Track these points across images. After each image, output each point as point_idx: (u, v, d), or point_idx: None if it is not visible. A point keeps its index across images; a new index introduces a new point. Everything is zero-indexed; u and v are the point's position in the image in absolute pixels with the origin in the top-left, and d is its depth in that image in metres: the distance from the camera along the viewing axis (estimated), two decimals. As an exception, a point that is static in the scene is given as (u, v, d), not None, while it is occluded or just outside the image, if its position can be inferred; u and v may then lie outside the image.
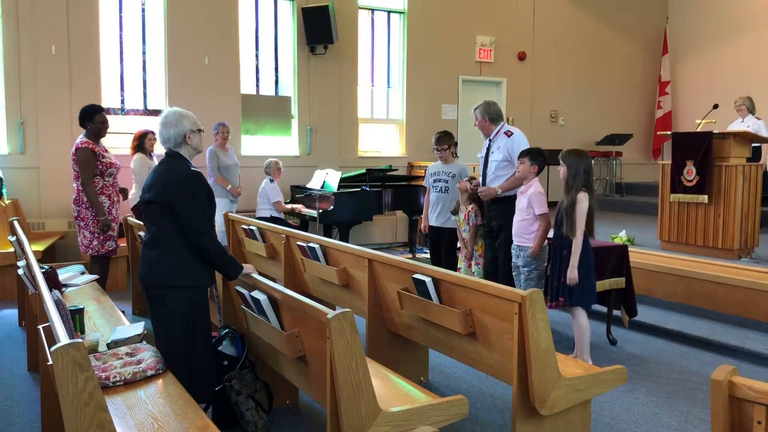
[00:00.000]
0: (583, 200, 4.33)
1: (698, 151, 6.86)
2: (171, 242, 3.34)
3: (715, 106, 8.04)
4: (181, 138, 3.41)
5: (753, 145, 7.24)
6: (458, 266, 5.69)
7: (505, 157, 5.21)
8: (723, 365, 1.85)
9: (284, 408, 3.95)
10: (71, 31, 7.94)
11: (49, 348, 2.25)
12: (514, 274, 4.89)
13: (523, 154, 4.82)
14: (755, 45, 11.28)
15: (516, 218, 4.82)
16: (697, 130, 7.61)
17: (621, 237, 7.46)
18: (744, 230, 6.81)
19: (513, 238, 4.86)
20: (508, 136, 5.25)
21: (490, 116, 5.35)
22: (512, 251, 4.87)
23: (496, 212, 5.27)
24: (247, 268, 3.55)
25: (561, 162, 4.47)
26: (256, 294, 3.31)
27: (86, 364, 2.11)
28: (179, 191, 3.30)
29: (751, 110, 8.38)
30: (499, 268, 5.23)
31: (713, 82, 11.76)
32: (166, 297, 3.36)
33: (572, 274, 4.35)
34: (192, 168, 3.42)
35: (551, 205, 4.78)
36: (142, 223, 5.69)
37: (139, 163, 7.10)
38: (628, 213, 10.47)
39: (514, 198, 5.07)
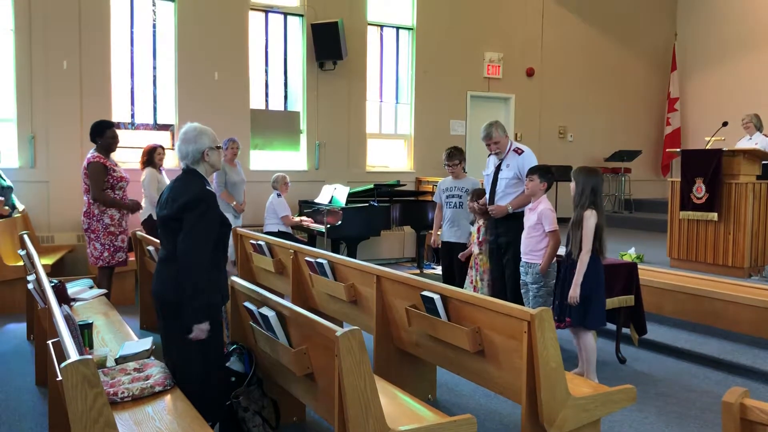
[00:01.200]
0: (589, 218, 4.29)
1: (708, 168, 6.84)
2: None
3: (725, 124, 8.03)
4: (200, 155, 3.38)
5: (763, 162, 7.21)
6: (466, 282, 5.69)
7: (516, 174, 5.22)
8: (734, 387, 1.83)
9: (291, 425, 3.93)
10: (83, 46, 8.02)
11: (59, 364, 2.26)
12: (522, 291, 4.87)
13: (532, 171, 4.83)
14: (764, 62, 11.27)
15: (524, 235, 4.82)
16: (707, 147, 7.60)
17: (630, 254, 7.43)
18: (754, 248, 6.78)
19: (521, 255, 4.85)
20: (519, 154, 5.27)
21: (506, 134, 5.39)
22: (521, 268, 4.86)
23: (504, 229, 5.27)
24: (202, 330, 3.22)
25: (572, 179, 4.47)
26: (264, 310, 3.31)
27: (96, 381, 2.12)
28: (190, 209, 3.24)
29: (759, 127, 8.36)
30: (506, 285, 5.22)
31: (722, 98, 11.75)
32: (181, 313, 3.28)
33: (574, 292, 4.30)
34: (207, 187, 3.37)
35: (561, 221, 4.76)
36: (150, 237, 5.77)
37: (149, 178, 7.14)
38: (637, 229, 10.43)
39: (522, 215, 5.07)
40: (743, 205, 6.71)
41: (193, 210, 3.24)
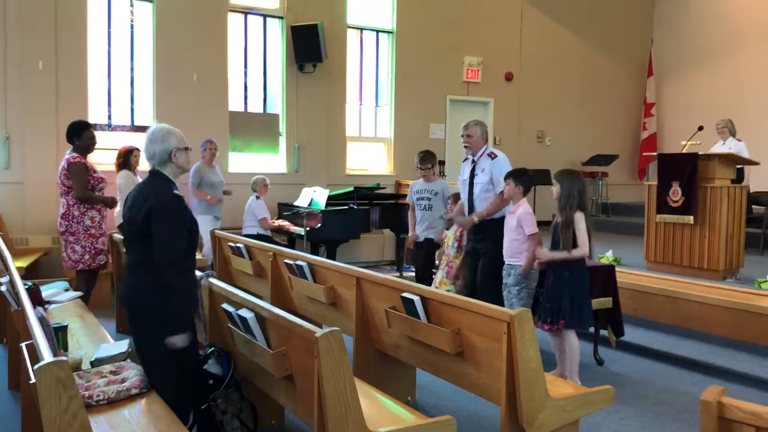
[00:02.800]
0: (580, 220, 4.35)
1: (684, 172, 6.92)
2: (151, 266, 3.18)
3: (700, 128, 8.13)
4: (167, 155, 3.29)
5: (737, 166, 7.32)
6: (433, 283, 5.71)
7: (490, 179, 5.21)
8: (712, 386, 1.85)
9: (269, 428, 3.89)
10: (59, 46, 7.91)
11: (32, 366, 2.21)
12: (504, 293, 4.88)
13: (508, 176, 4.85)
14: (738, 67, 11.46)
15: (506, 238, 4.83)
16: (683, 151, 7.69)
17: (608, 257, 7.49)
18: (729, 251, 6.87)
19: (504, 258, 4.86)
20: (492, 159, 5.25)
21: (484, 136, 5.37)
22: (503, 271, 4.87)
23: (481, 235, 5.24)
24: (181, 340, 3.20)
25: (554, 182, 4.50)
26: (243, 312, 3.28)
27: (70, 383, 2.08)
28: (158, 214, 3.15)
29: (733, 132, 8.49)
30: (478, 289, 5.17)
31: (698, 103, 11.91)
32: (153, 321, 3.20)
33: (546, 255, 4.43)
34: (174, 191, 3.28)
35: (540, 224, 4.78)
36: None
37: (125, 180, 7.04)
38: (614, 233, 10.52)
39: (499, 221, 5.09)
40: (718, 208, 6.80)
41: (161, 216, 3.16)
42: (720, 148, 8.29)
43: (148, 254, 3.18)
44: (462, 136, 5.37)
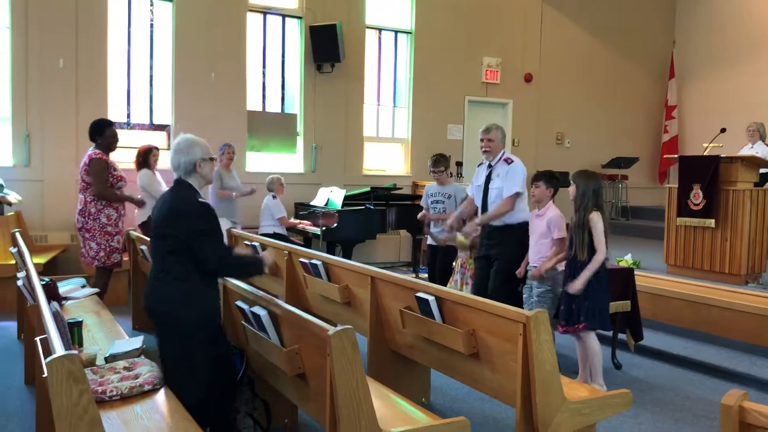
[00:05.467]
0: (597, 221, 4.28)
1: (705, 174, 6.82)
2: (178, 275, 3.26)
3: (723, 130, 8.01)
4: (191, 166, 3.36)
5: (761, 170, 7.20)
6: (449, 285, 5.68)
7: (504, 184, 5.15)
8: (733, 390, 1.80)
9: (282, 427, 3.87)
10: (79, 45, 7.97)
11: (45, 360, 2.21)
12: (525, 296, 4.82)
13: (537, 177, 4.78)
14: (761, 69, 11.27)
15: (533, 241, 4.77)
16: (705, 153, 7.58)
17: (626, 260, 7.39)
18: (751, 255, 6.74)
19: (530, 261, 4.81)
20: (508, 164, 5.17)
21: (503, 141, 5.30)
22: (528, 272, 4.80)
23: (495, 241, 5.17)
24: (266, 257, 3.58)
25: (571, 182, 4.45)
26: (256, 309, 3.27)
27: (81, 377, 2.07)
28: (188, 226, 3.23)
29: (763, 136, 8.34)
30: (490, 295, 5.08)
31: (720, 106, 11.74)
32: (180, 328, 3.26)
33: (579, 285, 4.29)
34: (200, 199, 3.36)
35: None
36: (144, 237, 5.72)
37: (147, 179, 7.07)
38: (634, 237, 10.40)
39: (512, 228, 5.05)
40: (741, 211, 6.68)
41: (191, 227, 3.24)
42: (747, 151, 8.15)
43: (176, 260, 3.26)
44: (482, 140, 5.25)
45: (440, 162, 6.14)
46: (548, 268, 4.62)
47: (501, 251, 5.09)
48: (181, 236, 3.23)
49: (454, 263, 5.82)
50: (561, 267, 4.60)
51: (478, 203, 5.35)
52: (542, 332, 2.89)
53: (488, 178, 5.25)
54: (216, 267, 3.33)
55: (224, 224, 7.21)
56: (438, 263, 6.10)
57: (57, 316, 2.87)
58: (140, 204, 6.16)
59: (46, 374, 2.16)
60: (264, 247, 5.77)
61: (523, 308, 4.66)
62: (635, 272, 5.31)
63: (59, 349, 2.17)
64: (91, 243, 5.81)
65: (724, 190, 6.78)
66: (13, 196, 7.22)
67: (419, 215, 6.42)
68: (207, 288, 3.35)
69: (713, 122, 9.79)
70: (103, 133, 5.86)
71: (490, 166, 5.26)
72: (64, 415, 2.06)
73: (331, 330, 2.58)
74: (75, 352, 2.12)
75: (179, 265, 3.26)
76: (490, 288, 5.10)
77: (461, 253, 5.61)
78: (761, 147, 8.20)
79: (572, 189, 4.42)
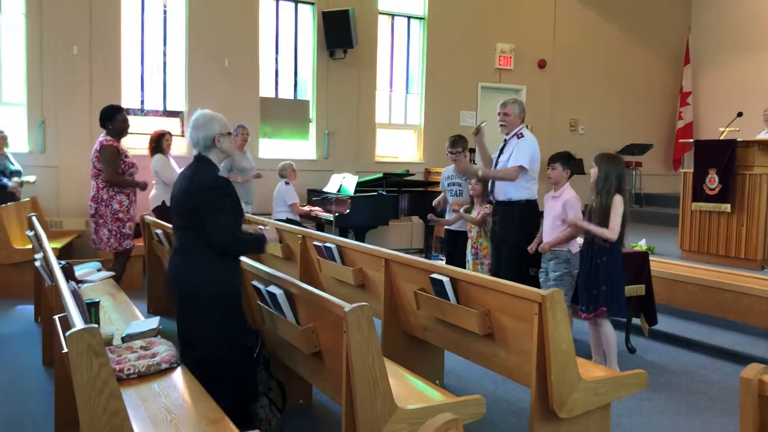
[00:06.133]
0: (618, 204, 4.22)
1: (721, 159, 6.75)
2: (200, 251, 3.29)
3: (740, 114, 7.94)
4: (210, 141, 3.37)
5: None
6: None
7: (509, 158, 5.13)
8: (753, 364, 1.79)
9: (298, 407, 3.90)
10: (93, 32, 8.01)
11: (65, 336, 2.23)
12: (541, 279, 4.79)
13: (555, 158, 4.72)
14: (779, 56, 11.14)
15: (547, 223, 4.71)
16: (721, 138, 7.51)
17: (641, 246, 7.35)
18: None
19: (543, 242, 4.78)
20: (519, 138, 5.15)
21: (522, 116, 5.23)
22: (542, 254, 4.77)
23: (499, 216, 5.12)
24: (268, 234, 3.58)
25: (593, 164, 4.38)
26: (272, 288, 3.28)
27: (101, 350, 2.09)
28: (206, 201, 3.24)
29: None
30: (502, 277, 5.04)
31: (735, 93, 11.62)
32: (202, 305, 3.29)
33: (578, 222, 4.36)
34: (219, 174, 3.38)
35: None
36: (160, 221, 5.75)
37: (161, 163, 7.10)
38: (648, 224, 10.33)
39: (514, 205, 5.04)
40: (757, 196, 6.61)
41: (209, 202, 3.24)
42: (764, 135, 8.06)
43: (197, 236, 3.27)
44: (499, 114, 5.20)
45: (458, 143, 5.99)
46: (553, 244, 4.59)
47: (504, 234, 5.04)
48: (197, 209, 3.24)
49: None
50: (576, 248, 4.57)
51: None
52: (558, 311, 2.88)
53: (501, 152, 5.23)
54: (228, 244, 3.29)
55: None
56: (458, 250, 6.00)
57: (75, 294, 2.90)
58: (143, 187, 6.09)
59: (65, 350, 2.18)
60: (277, 231, 5.79)
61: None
62: (650, 257, 5.28)
63: (79, 324, 2.20)
64: (103, 229, 5.85)
65: (740, 174, 6.72)
66: (29, 177, 7.29)
67: (434, 202, 6.39)
68: (228, 263, 3.37)
69: (728, 108, 9.68)
70: (114, 119, 5.86)
71: (505, 140, 5.23)
72: (85, 388, 2.08)
73: (348, 307, 2.59)
74: (95, 326, 2.14)
75: (198, 240, 3.28)
76: (504, 272, 5.07)
77: (473, 232, 5.58)
78: (778, 132, 8.11)
79: (594, 172, 4.35)
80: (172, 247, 3.50)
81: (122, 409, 2.15)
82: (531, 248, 4.81)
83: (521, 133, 5.17)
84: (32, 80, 7.79)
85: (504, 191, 5.11)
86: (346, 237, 8.09)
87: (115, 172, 5.76)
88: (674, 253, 7.38)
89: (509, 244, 5.03)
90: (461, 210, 5.64)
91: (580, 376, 3.00)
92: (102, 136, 5.86)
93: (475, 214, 5.55)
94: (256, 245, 3.51)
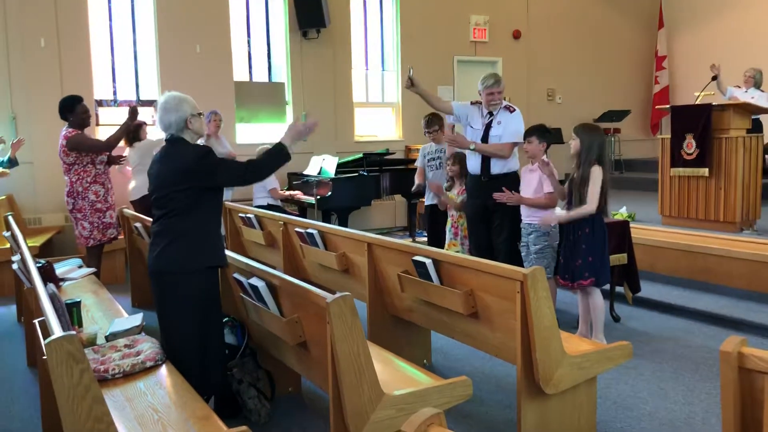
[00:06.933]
0: (597, 174, 4.23)
1: (698, 123, 6.79)
2: (179, 230, 3.27)
3: (714, 78, 7.96)
4: (183, 123, 3.35)
5: (753, 116, 7.16)
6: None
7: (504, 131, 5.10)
8: (732, 336, 1.81)
9: (287, 395, 3.91)
10: (60, 23, 7.84)
11: (44, 341, 2.21)
12: (523, 253, 4.81)
13: (530, 132, 4.72)
14: (751, 17, 11.16)
15: (524, 196, 4.73)
16: (696, 102, 7.54)
17: (622, 213, 7.40)
18: (745, 202, 6.75)
19: (522, 217, 4.78)
20: (510, 112, 5.13)
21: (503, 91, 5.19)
22: (522, 229, 4.79)
23: (493, 191, 5.07)
24: (294, 131, 3.59)
25: (574, 135, 4.36)
26: (254, 281, 3.27)
27: (81, 357, 2.07)
28: (197, 171, 3.24)
29: (759, 83, 8.29)
30: (497, 252, 5.03)
31: (710, 55, 11.58)
32: (179, 284, 3.27)
33: (561, 217, 4.39)
34: (197, 143, 3.40)
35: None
36: (138, 215, 5.69)
37: (141, 151, 6.95)
38: (628, 190, 10.40)
39: (511, 177, 5.02)
40: (734, 159, 6.67)
41: (200, 169, 3.25)
42: (740, 94, 8.10)
43: (176, 215, 3.26)
44: (492, 93, 5.09)
45: (433, 121, 6.14)
46: (527, 203, 4.64)
47: (501, 209, 4.94)
48: (197, 186, 3.24)
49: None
50: (555, 221, 4.60)
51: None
52: (540, 289, 2.89)
53: (489, 126, 5.18)
54: (250, 177, 3.39)
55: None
56: (442, 223, 6.00)
57: (54, 298, 2.87)
58: (133, 117, 5.84)
59: (46, 356, 2.16)
60: (259, 218, 5.76)
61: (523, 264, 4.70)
62: (631, 225, 5.32)
63: (57, 331, 2.17)
64: (84, 223, 5.76)
65: (716, 138, 6.76)
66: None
67: (413, 188, 6.38)
68: (208, 245, 3.35)
69: (704, 71, 9.67)
70: (74, 110, 5.69)
71: (491, 114, 5.19)
72: (66, 395, 2.07)
73: (330, 297, 2.58)
74: (73, 332, 2.11)
75: (177, 220, 3.26)
76: (499, 242, 5.05)
77: (453, 211, 5.59)
78: (757, 93, 8.15)
79: (575, 143, 4.33)
80: (152, 234, 3.45)
81: (106, 414, 2.14)
82: (507, 199, 4.74)
83: (512, 107, 5.17)
84: (0, 76, 7.63)
85: (501, 164, 5.11)
86: (328, 219, 8.10)
87: (98, 141, 5.70)
88: (655, 219, 7.44)
89: (507, 217, 4.96)
90: (444, 188, 5.65)
91: (565, 351, 3.02)
92: (65, 129, 5.71)
93: (455, 192, 5.55)
94: (277, 157, 3.47)
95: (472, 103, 5.35)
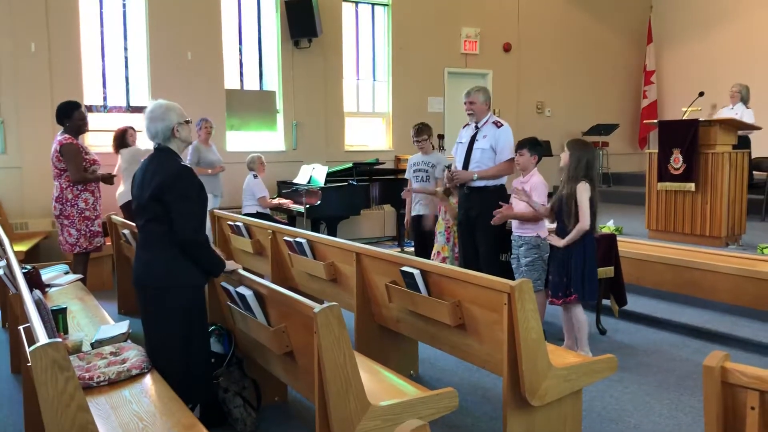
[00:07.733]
0: (583, 191, 4.27)
1: (685, 138, 6.86)
2: (164, 242, 3.23)
3: (701, 94, 8.05)
4: (170, 132, 3.32)
5: (738, 132, 7.24)
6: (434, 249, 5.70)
7: (492, 146, 5.15)
8: (715, 351, 1.82)
9: (273, 405, 3.90)
10: (51, 28, 7.82)
11: (29, 349, 2.19)
12: (513, 266, 4.83)
13: (522, 144, 4.77)
14: (739, 33, 11.31)
15: (516, 209, 4.75)
16: (684, 117, 7.62)
17: (609, 227, 7.45)
18: (731, 217, 6.83)
19: (512, 229, 4.82)
20: (498, 127, 5.18)
21: (487, 103, 5.28)
22: (512, 241, 4.82)
23: (477, 202, 5.13)
24: (230, 264, 3.47)
25: (565, 149, 4.42)
26: (241, 290, 3.26)
27: (66, 364, 2.06)
28: (170, 189, 3.19)
29: (745, 100, 8.39)
30: (481, 263, 5.08)
31: (698, 70, 11.78)
32: (165, 298, 3.25)
33: (558, 241, 4.37)
34: (182, 163, 3.33)
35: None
36: (126, 221, 5.67)
37: (128, 157, 6.96)
38: (615, 203, 10.48)
39: (495, 189, 5.06)
40: (720, 174, 6.74)
41: (173, 189, 3.19)
42: (727, 112, 8.20)
43: (161, 227, 3.22)
44: (465, 103, 5.25)
45: (423, 131, 6.16)
46: (517, 217, 4.67)
47: (482, 213, 5.01)
48: (161, 199, 3.19)
49: (437, 230, 5.81)
50: (544, 233, 4.63)
51: (460, 161, 5.31)
52: (527, 301, 2.91)
53: (473, 138, 5.24)
54: (189, 238, 3.20)
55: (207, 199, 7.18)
56: (427, 235, 6.06)
57: (40, 305, 2.85)
58: (110, 181, 5.97)
59: (30, 363, 2.14)
60: (248, 227, 5.76)
61: (509, 276, 4.72)
62: (618, 238, 5.35)
63: (42, 338, 2.16)
64: (71, 230, 5.73)
65: (703, 153, 6.84)
66: None
67: (402, 193, 6.39)
68: (206, 250, 3.33)
69: (692, 86, 9.82)
70: (71, 116, 5.69)
71: (476, 127, 5.25)
72: (51, 403, 2.05)
73: (317, 308, 2.58)
74: (59, 340, 2.10)
75: (162, 232, 3.23)
76: (482, 252, 5.11)
77: (449, 216, 5.63)
78: (742, 109, 8.25)
79: (565, 157, 4.38)
80: (137, 243, 3.43)
81: (91, 422, 2.13)
82: (494, 221, 4.80)
83: (499, 122, 5.21)
84: (-11, 80, 7.60)
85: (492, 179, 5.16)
86: (317, 228, 8.11)
87: (80, 169, 5.64)
88: (642, 233, 7.49)
89: (489, 229, 4.99)
90: (442, 189, 5.69)
91: (551, 363, 3.03)
92: (60, 135, 5.70)
93: (454, 201, 5.59)
94: (212, 261, 3.35)
95: (463, 127, 5.48)
